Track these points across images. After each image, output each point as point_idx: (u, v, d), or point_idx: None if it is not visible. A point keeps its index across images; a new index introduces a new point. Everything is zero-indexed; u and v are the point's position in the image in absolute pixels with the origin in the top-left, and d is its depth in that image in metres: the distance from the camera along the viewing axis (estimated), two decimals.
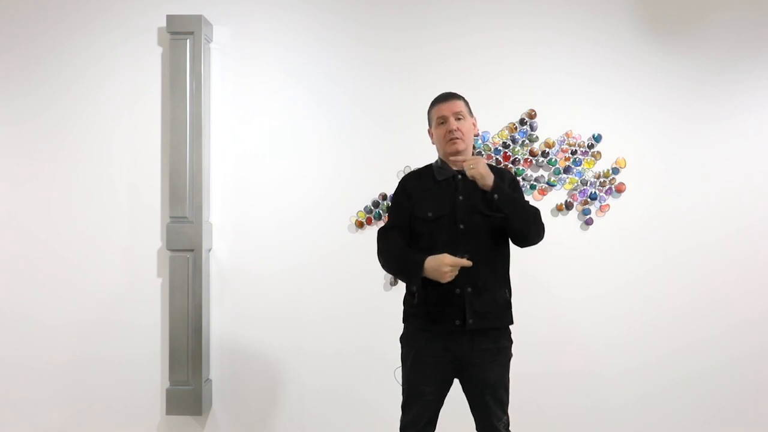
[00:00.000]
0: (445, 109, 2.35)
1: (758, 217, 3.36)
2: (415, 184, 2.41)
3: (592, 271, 3.35)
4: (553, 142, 3.32)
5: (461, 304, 2.25)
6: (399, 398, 2.39)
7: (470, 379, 2.33)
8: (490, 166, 2.30)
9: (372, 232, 3.24)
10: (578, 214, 3.35)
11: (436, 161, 2.43)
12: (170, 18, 3.21)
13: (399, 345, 2.43)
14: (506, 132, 3.33)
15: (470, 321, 2.25)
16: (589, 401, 3.36)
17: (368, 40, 3.34)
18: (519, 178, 3.23)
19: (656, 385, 3.36)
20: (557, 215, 3.35)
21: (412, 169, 2.62)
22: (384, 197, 3.33)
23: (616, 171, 3.33)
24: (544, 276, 3.32)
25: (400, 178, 2.48)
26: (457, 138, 2.32)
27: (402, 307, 2.42)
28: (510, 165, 3.32)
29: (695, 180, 3.35)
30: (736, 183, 3.35)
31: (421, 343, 2.33)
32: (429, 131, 2.45)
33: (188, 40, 3.21)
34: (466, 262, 2.19)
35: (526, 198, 2.91)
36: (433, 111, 2.39)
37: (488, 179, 2.22)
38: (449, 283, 2.21)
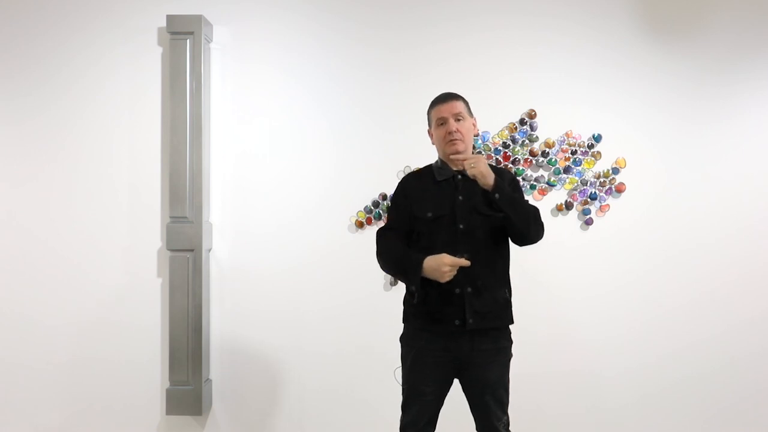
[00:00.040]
0: (445, 110, 2.34)
1: (758, 217, 3.36)
2: (414, 184, 2.41)
3: (592, 271, 3.35)
4: (553, 142, 3.32)
5: (461, 303, 2.25)
6: (399, 398, 2.39)
7: (470, 379, 2.33)
8: (490, 166, 2.30)
9: (372, 232, 3.23)
10: (578, 214, 3.35)
11: (436, 161, 2.43)
12: (170, 18, 3.21)
13: (399, 345, 2.43)
14: (506, 132, 3.33)
15: (470, 321, 2.24)
16: (589, 401, 3.36)
17: (368, 40, 3.34)
18: (519, 178, 3.23)
19: (656, 385, 3.36)
20: (557, 215, 3.35)
21: (413, 170, 2.62)
22: (384, 197, 3.33)
23: (616, 171, 3.33)
24: (544, 276, 3.32)
25: (401, 179, 2.48)
26: (457, 139, 2.31)
27: (402, 307, 2.42)
28: (510, 165, 3.32)
29: (695, 180, 3.35)
30: (736, 183, 3.35)
31: (421, 343, 2.33)
32: (429, 131, 2.45)
33: (188, 40, 3.21)
34: (465, 262, 2.19)
35: (526, 198, 2.91)
36: (433, 112, 2.39)
37: (489, 178, 2.22)
38: (449, 283, 2.21)
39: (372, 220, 3.34)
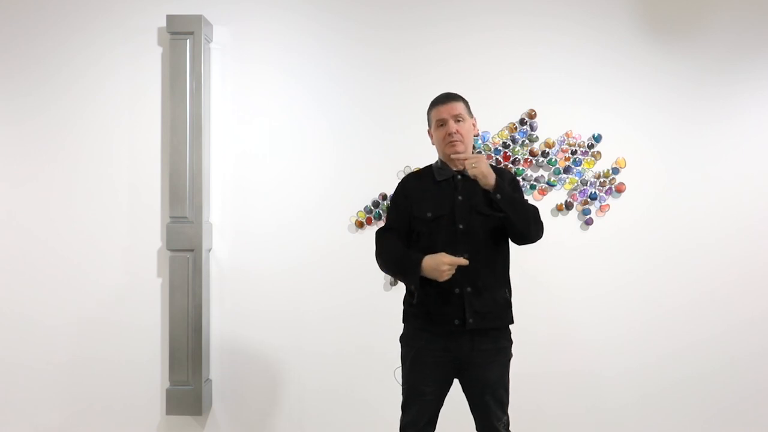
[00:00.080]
0: (444, 111, 2.34)
1: (758, 217, 3.36)
2: (414, 184, 2.41)
3: (592, 271, 3.35)
4: (553, 142, 3.32)
5: (461, 303, 2.25)
6: (399, 398, 2.39)
7: (470, 379, 2.33)
8: (491, 166, 2.30)
9: (372, 232, 3.23)
10: (578, 214, 3.35)
11: (436, 162, 2.43)
12: (170, 18, 3.21)
13: (399, 345, 2.43)
14: (506, 132, 3.33)
15: (470, 321, 2.24)
16: (589, 401, 3.36)
17: (368, 40, 3.34)
18: (519, 178, 3.23)
19: (656, 385, 3.36)
20: (557, 215, 3.35)
21: (413, 170, 2.62)
22: (384, 197, 3.33)
23: (616, 171, 3.33)
24: (544, 276, 3.32)
25: (401, 179, 2.49)
26: (457, 141, 2.31)
27: (402, 307, 2.42)
28: (510, 165, 3.32)
29: (695, 180, 3.35)
30: (736, 183, 3.35)
31: (421, 343, 2.33)
32: (429, 132, 2.45)
33: (188, 40, 3.21)
34: (463, 261, 2.19)
35: (526, 198, 2.91)
36: (433, 113, 2.39)
37: (490, 178, 2.22)
38: (449, 282, 2.21)
39: (372, 220, 3.34)
